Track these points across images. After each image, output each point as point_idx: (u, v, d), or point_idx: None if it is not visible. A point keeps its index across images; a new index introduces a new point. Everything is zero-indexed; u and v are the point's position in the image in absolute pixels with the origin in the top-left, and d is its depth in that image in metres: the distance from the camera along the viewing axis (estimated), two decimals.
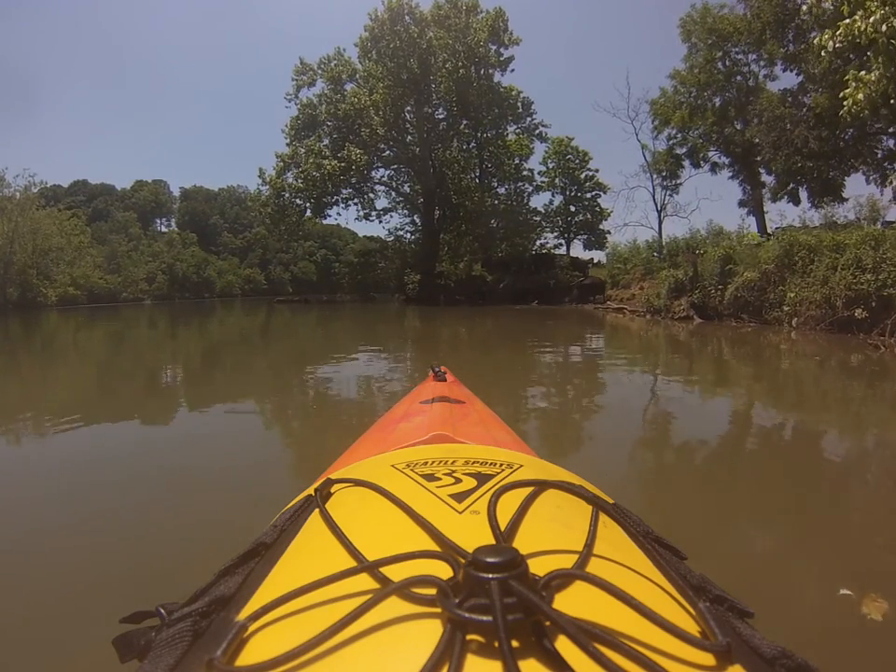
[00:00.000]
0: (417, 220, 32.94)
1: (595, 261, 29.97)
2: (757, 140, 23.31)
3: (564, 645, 0.33)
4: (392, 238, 33.91)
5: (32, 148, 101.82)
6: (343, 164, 27.04)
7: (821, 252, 11.20)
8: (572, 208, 34.19)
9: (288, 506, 0.66)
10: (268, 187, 29.42)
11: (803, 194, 22.04)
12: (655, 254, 22.29)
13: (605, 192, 33.49)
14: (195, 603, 0.44)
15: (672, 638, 0.36)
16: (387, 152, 30.44)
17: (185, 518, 2.40)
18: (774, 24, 19.17)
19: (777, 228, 17.12)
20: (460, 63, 26.45)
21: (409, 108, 29.05)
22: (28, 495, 2.75)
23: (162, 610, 0.47)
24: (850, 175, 20.79)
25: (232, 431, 4.24)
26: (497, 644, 0.32)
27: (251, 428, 4.37)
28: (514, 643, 0.32)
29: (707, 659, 0.35)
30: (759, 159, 23.86)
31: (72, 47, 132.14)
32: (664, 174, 27.85)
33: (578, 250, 34.14)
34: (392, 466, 0.70)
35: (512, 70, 29.17)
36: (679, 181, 28.10)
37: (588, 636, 0.33)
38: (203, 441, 3.95)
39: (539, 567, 0.39)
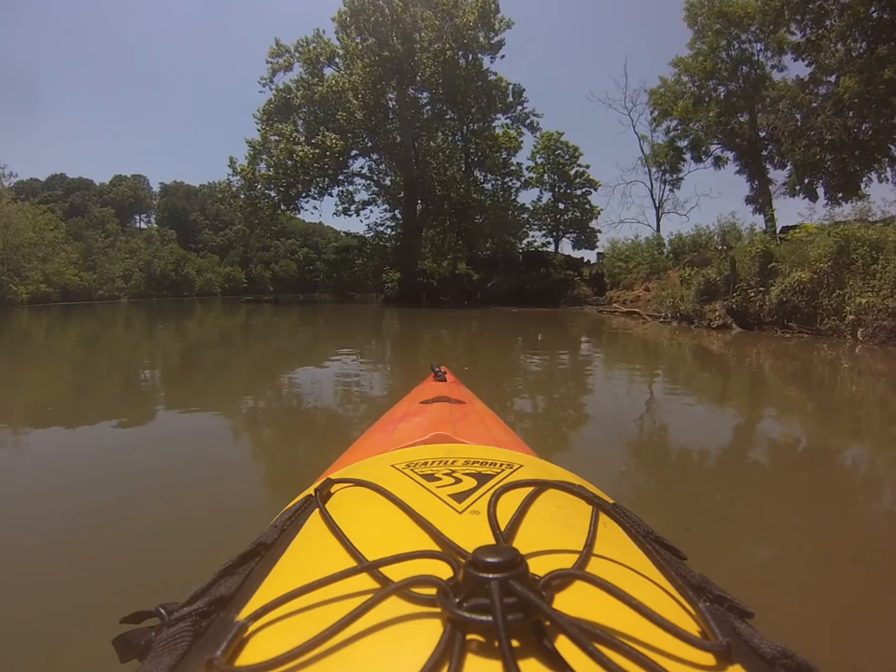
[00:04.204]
0: (399, 215, 31.98)
1: (586, 261, 29.76)
2: (763, 134, 23.25)
3: (564, 645, 0.33)
4: (371, 234, 33.05)
5: (11, 142, 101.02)
6: (316, 151, 26.11)
7: (888, 249, 9.83)
8: (561, 205, 33.87)
9: (288, 506, 0.67)
10: (238, 177, 28.47)
11: (819, 190, 21.73)
12: (656, 252, 21.78)
13: (596, 189, 33.30)
14: (195, 603, 0.45)
15: (672, 638, 0.37)
16: (366, 139, 29.46)
17: (184, 518, 2.45)
18: (795, 4, 18.80)
19: (783, 227, 16.57)
20: (447, 45, 25.53)
21: (391, 95, 28.27)
22: (25, 496, 2.79)
23: (162, 610, 0.49)
24: (873, 168, 20.28)
25: (224, 433, 4.33)
26: (497, 644, 0.33)
27: (238, 431, 4.41)
28: (514, 643, 0.33)
29: (707, 659, 0.36)
30: (765, 153, 23.82)
31: (52, 40, 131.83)
32: (664, 167, 27.72)
33: (566, 249, 33.89)
34: (392, 466, 0.72)
35: (503, 56, 28.20)
36: (680, 175, 28.02)
37: (588, 636, 0.34)
38: (196, 441, 3.99)
39: (539, 567, 0.41)
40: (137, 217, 66.62)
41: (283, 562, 0.52)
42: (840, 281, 10.39)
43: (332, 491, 0.68)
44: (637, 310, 17.62)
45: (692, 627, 0.41)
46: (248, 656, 0.37)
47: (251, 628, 0.40)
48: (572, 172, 33.24)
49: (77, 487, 2.88)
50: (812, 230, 12.70)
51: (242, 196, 28.42)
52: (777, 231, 17.61)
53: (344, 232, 39.26)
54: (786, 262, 11.85)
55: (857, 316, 9.71)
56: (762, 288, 12.11)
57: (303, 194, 29.30)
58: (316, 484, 0.69)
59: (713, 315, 13.05)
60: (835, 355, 8.64)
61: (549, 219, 33.77)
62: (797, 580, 1.98)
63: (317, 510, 0.60)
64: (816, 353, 8.93)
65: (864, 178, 20.54)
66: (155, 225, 64.91)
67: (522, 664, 0.32)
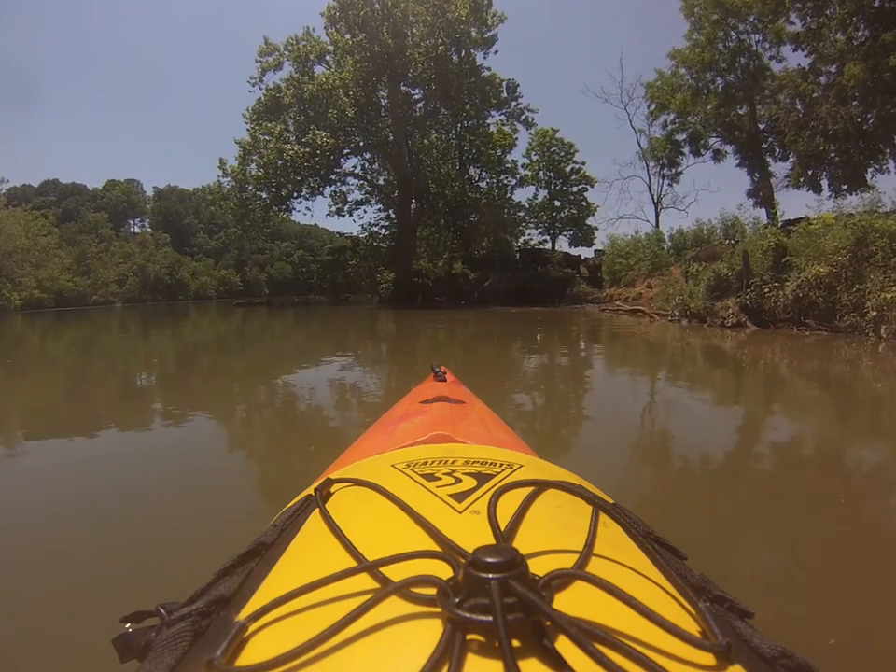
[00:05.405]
0: (393, 215, 31.66)
1: (584, 258, 29.43)
2: (763, 126, 23.19)
3: (564, 645, 0.34)
4: (365, 234, 32.63)
5: (4, 148, 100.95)
6: (307, 150, 25.93)
7: None
8: (557, 203, 33.59)
9: (288, 506, 0.67)
10: (229, 178, 28.02)
11: (823, 182, 21.54)
12: (656, 248, 21.38)
13: (592, 186, 33.08)
14: (195, 603, 0.45)
15: (672, 638, 0.37)
16: (358, 138, 29.07)
17: (184, 520, 2.48)
18: None
19: (784, 221, 16.11)
20: (439, 41, 25.38)
21: (382, 93, 28.06)
22: (25, 499, 2.82)
23: (162, 610, 0.49)
24: (878, 159, 20.07)
25: (222, 437, 4.39)
26: (497, 644, 0.33)
27: (236, 435, 4.44)
28: (514, 643, 0.33)
29: (707, 659, 0.37)
30: (765, 146, 23.81)
31: (45, 45, 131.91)
32: (662, 162, 27.68)
33: (563, 248, 33.60)
34: (392, 465, 0.72)
35: (496, 52, 27.94)
36: (679, 169, 27.96)
37: (588, 636, 0.34)
38: (195, 445, 4.02)
39: (539, 567, 0.41)
40: (131, 222, 66.99)
41: (283, 562, 0.52)
42: (859, 275, 9.94)
43: (332, 491, 0.68)
44: (641, 308, 16.97)
45: (692, 627, 0.41)
46: (248, 656, 0.38)
47: (251, 628, 0.40)
48: (568, 169, 33.04)
49: (76, 492, 2.89)
50: (830, 220, 11.96)
51: (234, 197, 28.14)
52: (779, 225, 17.35)
53: (338, 233, 38.99)
54: (801, 256, 11.32)
55: (879, 312, 9.27)
56: (776, 284, 11.50)
57: (294, 194, 29.00)
58: (316, 484, 0.70)
59: (726, 313, 12.40)
60: (856, 353, 8.23)
61: (545, 217, 33.53)
62: (803, 582, 1.99)
63: (317, 509, 0.61)
64: (836, 351, 8.50)
65: (870, 169, 20.44)
66: (149, 229, 65.20)
67: (522, 664, 0.32)
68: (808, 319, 10.82)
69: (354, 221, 48.05)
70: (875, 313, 9.35)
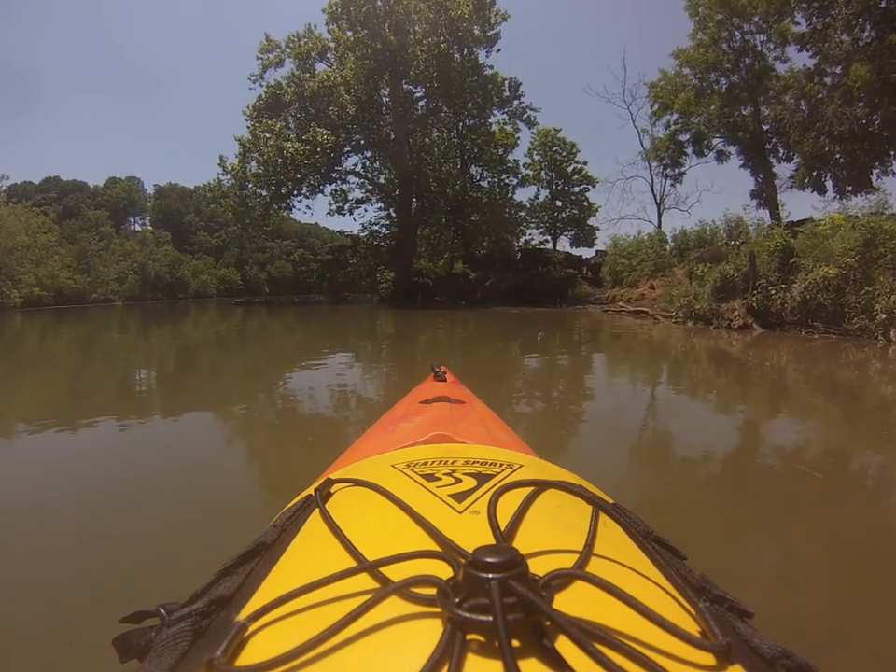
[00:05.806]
0: (393, 214, 31.63)
1: (585, 259, 29.34)
2: (767, 127, 23.16)
3: (564, 645, 0.34)
4: (366, 233, 32.61)
5: (4, 145, 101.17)
6: (307, 147, 25.85)
7: None
8: (558, 203, 33.52)
9: (288, 506, 0.68)
10: (229, 176, 27.90)
11: (828, 183, 21.49)
12: (659, 248, 21.11)
13: (594, 186, 32.99)
14: (195, 603, 0.46)
15: (672, 638, 0.37)
16: (359, 136, 29.03)
17: (184, 520, 2.49)
18: None
19: (787, 223, 16.02)
20: (441, 39, 25.29)
21: (384, 91, 28.01)
22: (26, 497, 2.82)
23: (162, 610, 0.49)
24: (883, 160, 19.98)
25: (223, 437, 4.40)
26: (497, 644, 0.33)
27: (236, 435, 4.44)
28: (514, 643, 0.33)
29: (707, 659, 0.37)
30: (769, 147, 23.80)
31: (47, 43, 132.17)
32: (665, 162, 27.61)
33: (564, 247, 33.47)
34: (392, 466, 0.73)
35: (499, 50, 27.91)
36: (682, 170, 27.88)
37: (588, 636, 0.34)
38: (195, 445, 4.02)
39: (539, 567, 0.41)
40: (132, 220, 66.96)
41: (283, 562, 0.52)
42: (868, 277, 9.82)
43: (332, 491, 0.68)
44: (645, 309, 16.74)
45: (692, 627, 0.41)
46: (248, 656, 0.38)
47: (251, 628, 0.40)
48: (570, 169, 32.96)
49: (76, 492, 2.90)
50: (839, 221, 11.67)
51: (234, 195, 28.07)
52: (783, 227, 17.21)
53: (339, 232, 38.84)
54: (808, 257, 11.14)
55: (889, 315, 9.17)
56: (783, 285, 11.34)
57: (295, 192, 28.94)
58: (316, 484, 0.70)
59: (732, 315, 12.19)
60: (865, 357, 8.14)
61: (546, 217, 33.45)
62: (804, 583, 1.98)
63: (317, 509, 0.61)
64: (844, 355, 8.37)
65: (875, 171, 20.32)
66: (149, 227, 65.14)
67: (522, 664, 0.32)
68: (816, 322, 10.66)
69: (354, 220, 48.17)
70: (884, 315, 9.25)
